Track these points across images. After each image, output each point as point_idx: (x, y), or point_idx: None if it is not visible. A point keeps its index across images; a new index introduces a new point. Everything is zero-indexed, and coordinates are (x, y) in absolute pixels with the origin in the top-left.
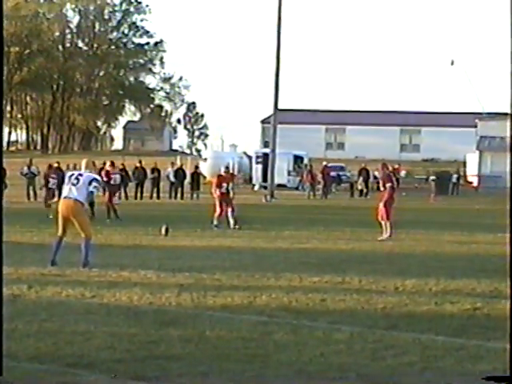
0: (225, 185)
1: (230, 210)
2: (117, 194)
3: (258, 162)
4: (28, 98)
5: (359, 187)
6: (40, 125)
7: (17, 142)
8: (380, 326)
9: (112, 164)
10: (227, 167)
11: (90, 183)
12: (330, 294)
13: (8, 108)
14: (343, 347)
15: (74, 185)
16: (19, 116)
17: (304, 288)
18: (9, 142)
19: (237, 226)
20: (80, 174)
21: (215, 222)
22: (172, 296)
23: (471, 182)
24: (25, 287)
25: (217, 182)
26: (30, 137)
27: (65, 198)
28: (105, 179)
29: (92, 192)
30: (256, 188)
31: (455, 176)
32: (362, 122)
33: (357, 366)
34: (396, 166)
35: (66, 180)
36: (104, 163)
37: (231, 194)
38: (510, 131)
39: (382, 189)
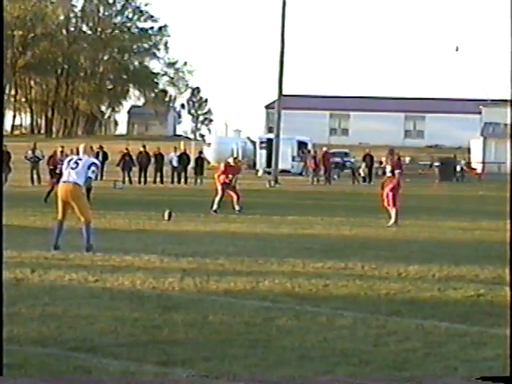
0: (230, 176)
1: (235, 196)
2: (120, 179)
3: (261, 148)
4: (32, 82)
5: (362, 173)
6: (44, 109)
7: (21, 125)
8: (383, 312)
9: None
10: (236, 157)
11: (88, 167)
12: (332, 280)
13: (12, 92)
14: (346, 333)
15: (72, 169)
16: (23, 100)
17: (307, 273)
18: (13, 126)
19: (240, 211)
20: (79, 159)
21: (215, 207)
22: (175, 281)
23: (475, 169)
24: (28, 271)
25: (224, 170)
26: (34, 121)
27: (64, 182)
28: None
29: (90, 177)
30: (260, 173)
31: (463, 162)
32: (367, 107)
33: (359, 351)
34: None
35: (65, 165)
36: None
37: (233, 183)
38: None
39: (389, 174)
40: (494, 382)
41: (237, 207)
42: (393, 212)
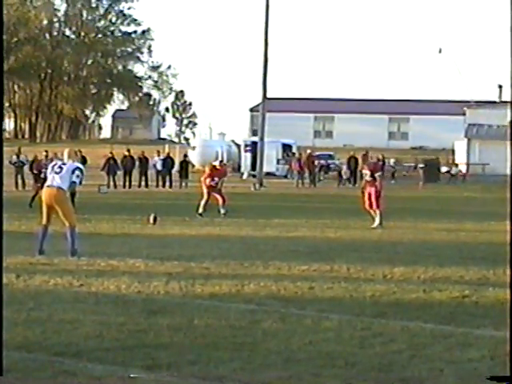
0: (216, 179)
1: (220, 199)
2: (105, 183)
3: (246, 151)
4: (16, 87)
5: (344, 176)
6: (28, 113)
7: (4, 130)
8: (368, 314)
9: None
10: (221, 161)
11: (73, 172)
12: (318, 282)
13: None
14: (332, 335)
15: (56, 173)
16: (7, 105)
17: (292, 276)
18: None
19: (225, 214)
20: (63, 163)
21: (200, 210)
22: (160, 284)
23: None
24: (13, 276)
25: (209, 173)
26: (18, 125)
27: (48, 186)
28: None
29: (74, 182)
30: (244, 176)
31: (455, 169)
32: (351, 110)
33: (345, 353)
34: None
35: (49, 170)
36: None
37: (219, 186)
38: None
39: (368, 179)
40: (499, 381)
41: (222, 210)
42: (377, 214)
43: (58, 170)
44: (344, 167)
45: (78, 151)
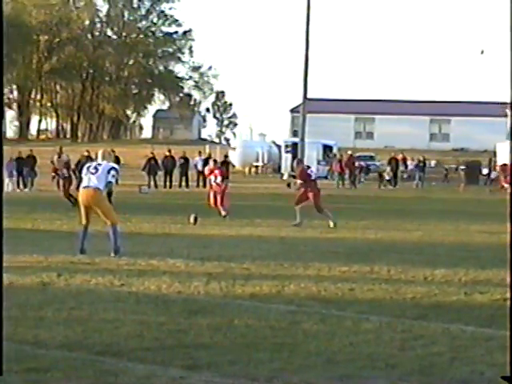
0: (212, 177)
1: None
2: (145, 183)
3: (287, 151)
4: (58, 87)
5: (387, 177)
6: (70, 113)
7: (47, 130)
8: (409, 316)
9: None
10: (215, 160)
11: (108, 172)
12: (358, 284)
13: (38, 96)
14: (372, 337)
15: (92, 174)
16: (49, 104)
17: (333, 277)
18: (39, 131)
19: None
20: (99, 164)
21: (223, 213)
22: (201, 285)
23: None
24: (54, 275)
25: (208, 174)
26: (60, 125)
27: (84, 187)
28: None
29: (110, 182)
30: (285, 177)
31: (494, 172)
32: (392, 111)
33: (385, 355)
34: (400, 156)
35: (85, 171)
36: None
37: (220, 186)
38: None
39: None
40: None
41: (222, 212)
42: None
43: (93, 171)
44: (388, 168)
45: (111, 151)
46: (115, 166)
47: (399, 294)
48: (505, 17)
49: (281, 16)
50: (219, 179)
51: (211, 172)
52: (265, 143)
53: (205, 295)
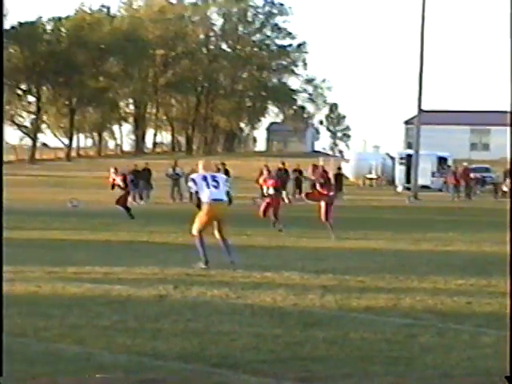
0: (265, 188)
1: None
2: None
3: (401, 163)
4: (173, 100)
5: (504, 188)
6: (184, 126)
7: (162, 143)
8: None
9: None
10: (268, 169)
11: (224, 183)
12: (475, 297)
13: (154, 110)
14: (490, 351)
15: (216, 187)
16: (164, 118)
17: (449, 290)
18: (154, 144)
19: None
20: (214, 176)
21: (279, 226)
22: (316, 297)
23: None
24: (171, 287)
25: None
26: (175, 138)
27: (216, 200)
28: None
29: (229, 192)
30: (399, 189)
31: None
32: (508, 122)
33: (504, 370)
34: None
35: (202, 183)
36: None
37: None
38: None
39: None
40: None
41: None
42: None
43: (215, 184)
44: (507, 180)
45: (221, 164)
46: (225, 176)
47: None
48: None
49: (395, 28)
50: (271, 190)
51: (265, 182)
52: (379, 155)
53: (320, 308)
